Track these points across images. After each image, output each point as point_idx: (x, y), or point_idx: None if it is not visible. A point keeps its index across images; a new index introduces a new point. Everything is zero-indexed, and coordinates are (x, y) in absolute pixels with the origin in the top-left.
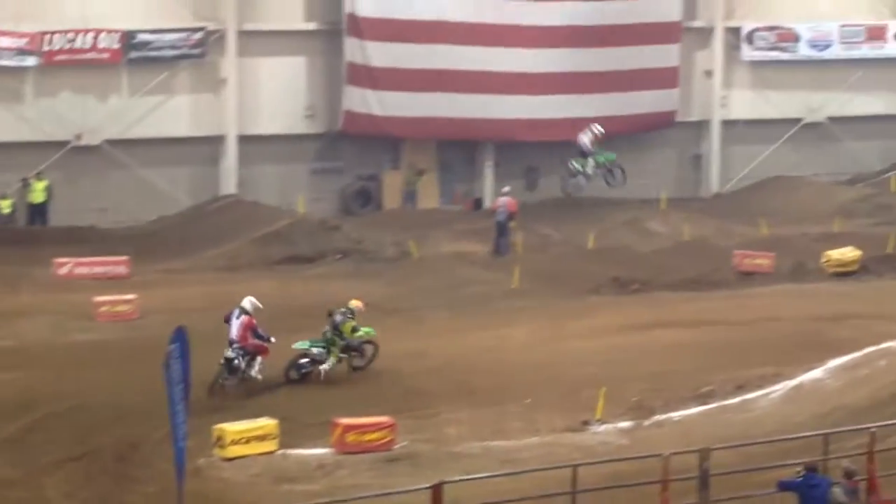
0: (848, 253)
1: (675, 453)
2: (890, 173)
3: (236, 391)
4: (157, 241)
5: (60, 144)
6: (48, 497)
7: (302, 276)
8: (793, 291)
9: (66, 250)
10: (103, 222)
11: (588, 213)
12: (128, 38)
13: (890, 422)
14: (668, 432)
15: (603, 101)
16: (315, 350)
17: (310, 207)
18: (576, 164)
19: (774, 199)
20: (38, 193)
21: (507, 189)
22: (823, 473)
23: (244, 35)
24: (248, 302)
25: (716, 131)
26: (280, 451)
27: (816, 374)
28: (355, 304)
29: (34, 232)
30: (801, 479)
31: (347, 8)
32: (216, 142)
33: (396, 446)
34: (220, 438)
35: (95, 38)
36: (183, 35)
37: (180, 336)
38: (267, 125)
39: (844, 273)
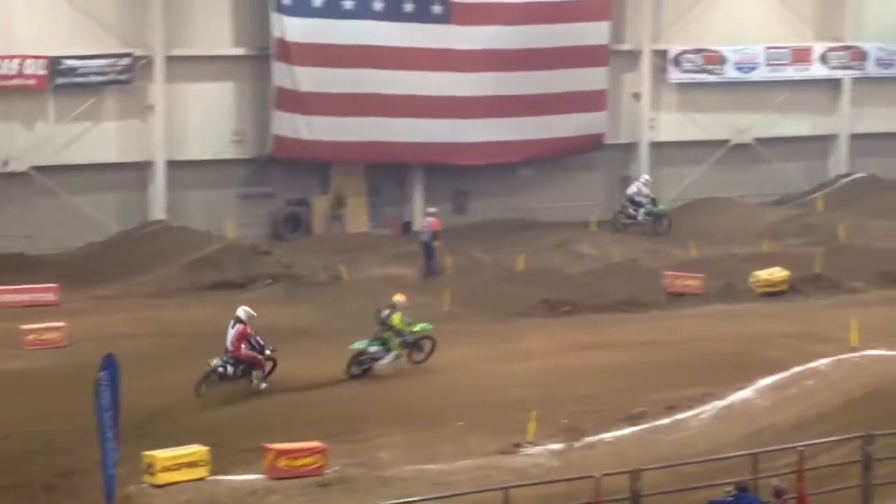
0: (776, 273)
1: (607, 474)
2: (816, 193)
3: (218, 397)
4: (85, 267)
5: None
6: None
7: (233, 301)
8: (722, 312)
9: None
10: (31, 249)
11: (518, 236)
12: (54, 64)
13: (818, 440)
14: (600, 454)
15: (531, 124)
16: (372, 349)
17: (239, 232)
18: (631, 212)
19: (703, 220)
20: None
21: (432, 210)
22: (754, 492)
23: (172, 61)
24: (242, 311)
25: (644, 153)
26: (211, 478)
27: (746, 394)
28: (398, 298)
29: None
30: (731, 498)
31: (276, 33)
32: (144, 167)
33: (329, 471)
34: (150, 465)
35: (21, 64)
36: (110, 61)
37: (110, 363)
38: (195, 150)
39: (773, 293)
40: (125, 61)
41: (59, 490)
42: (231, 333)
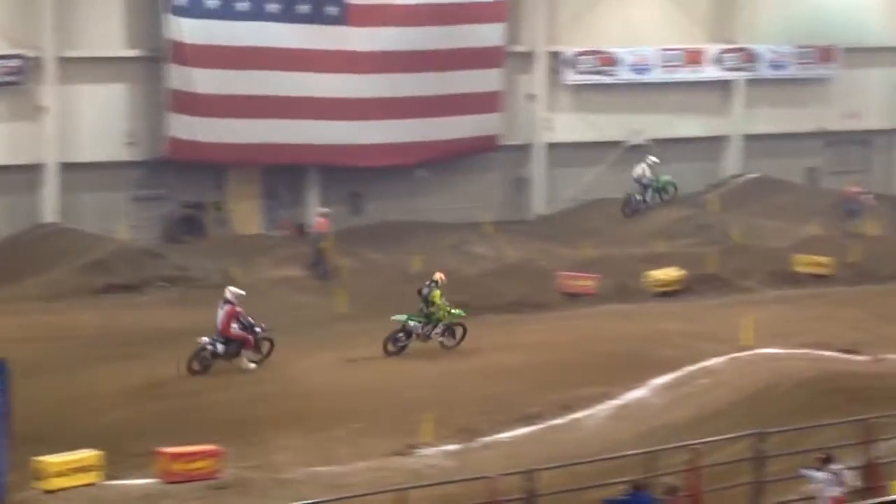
0: (670, 273)
1: (503, 475)
2: (709, 194)
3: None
4: None
5: None
6: None
7: (126, 304)
8: (617, 312)
9: None
10: None
11: (413, 237)
12: None
13: (712, 438)
14: (496, 454)
15: (427, 125)
16: (412, 323)
17: (133, 235)
18: (637, 197)
19: (598, 220)
20: None
21: (322, 210)
22: (649, 491)
23: (63, 62)
24: (229, 292)
25: (540, 154)
26: (103, 483)
27: (641, 393)
28: (438, 276)
29: None
30: (626, 497)
31: (170, 35)
32: (35, 170)
33: (223, 474)
34: (40, 471)
35: None
36: None
37: (0, 369)
38: (88, 153)
39: (667, 293)
40: (15, 62)
41: None
42: (220, 314)
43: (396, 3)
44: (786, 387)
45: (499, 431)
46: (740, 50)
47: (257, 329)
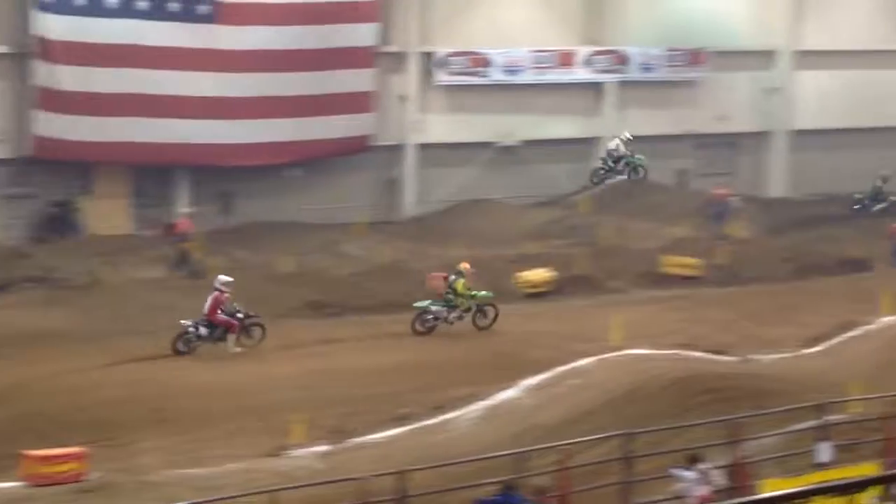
0: (540, 274)
1: (374, 475)
2: (580, 195)
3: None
4: None
5: None
6: None
7: None
8: None
9: None
10: None
11: (284, 237)
12: None
13: (581, 439)
14: (367, 455)
15: (298, 125)
16: (434, 308)
17: (1, 234)
18: (604, 168)
19: (470, 221)
20: None
21: (184, 210)
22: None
23: None
24: (218, 280)
25: (411, 155)
26: None
27: (512, 393)
28: (464, 266)
29: None
30: (497, 497)
31: (37, 31)
32: None
33: (90, 477)
34: None
35: None
36: None
37: None
38: None
39: (538, 294)
40: None
41: None
42: (208, 300)
43: (268, 2)
44: (654, 387)
45: (370, 432)
46: (611, 52)
47: (239, 315)
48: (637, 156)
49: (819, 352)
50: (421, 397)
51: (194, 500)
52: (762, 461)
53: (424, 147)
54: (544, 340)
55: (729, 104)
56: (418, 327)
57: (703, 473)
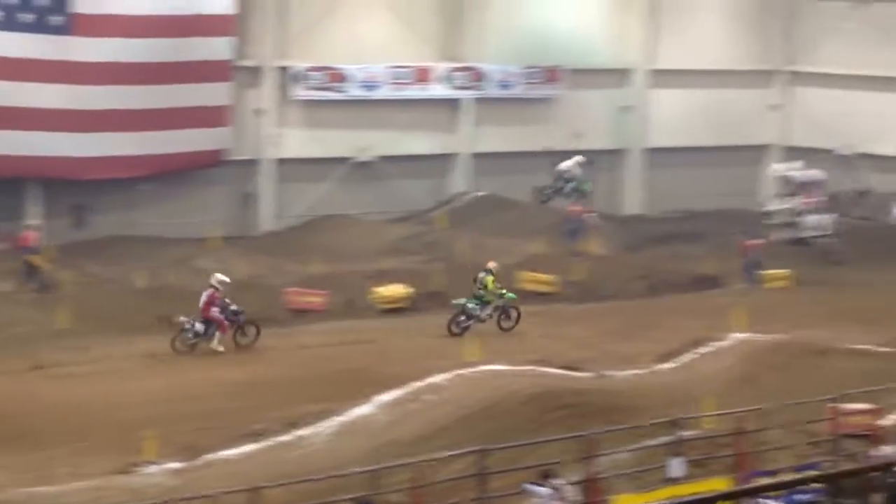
0: (397, 290)
1: (226, 492)
2: (437, 211)
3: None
4: None
5: None
6: None
7: None
8: (345, 328)
9: None
10: None
11: (138, 252)
12: None
13: (437, 455)
14: (220, 472)
15: (153, 138)
16: (470, 305)
17: None
18: (551, 189)
19: (327, 236)
20: None
21: (30, 223)
22: None
23: None
24: (214, 278)
25: (268, 169)
26: None
27: (367, 409)
28: (492, 264)
29: None
30: None
31: None
32: None
33: None
34: None
35: None
36: None
37: None
38: None
39: (394, 309)
40: None
41: None
42: (202, 297)
43: (122, 15)
44: (510, 403)
45: (223, 449)
46: (469, 69)
47: (233, 309)
48: (587, 182)
49: (672, 368)
50: (275, 413)
51: None
52: (615, 477)
53: (281, 162)
54: (400, 356)
55: (585, 122)
56: (454, 329)
57: (557, 489)
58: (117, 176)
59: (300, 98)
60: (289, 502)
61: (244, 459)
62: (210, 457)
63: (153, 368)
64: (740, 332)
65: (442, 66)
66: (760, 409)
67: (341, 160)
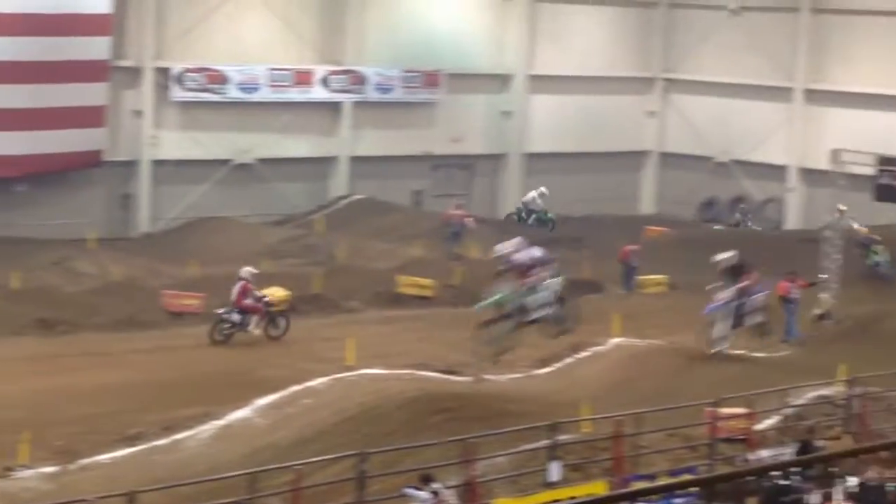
0: (276, 292)
1: (101, 497)
2: (316, 214)
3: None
4: None
5: None
6: None
7: None
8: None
9: None
10: None
11: (12, 254)
12: None
13: (315, 459)
14: (96, 476)
15: (27, 138)
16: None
17: None
18: (523, 216)
19: (205, 239)
20: None
21: None
22: None
23: None
24: (244, 271)
25: (145, 171)
26: None
27: (245, 413)
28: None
29: None
30: None
31: None
32: None
33: None
34: None
35: None
36: None
37: None
38: None
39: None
40: None
41: None
42: (235, 289)
43: None
44: (388, 407)
45: (98, 453)
46: (349, 72)
47: (262, 297)
48: (550, 213)
49: (550, 372)
50: (152, 417)
51: None
52: (494, 480)
53: (159, 163)
54: (278, 360)
55: (464, 126)
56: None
57: (437, 493)
58: None
59: (179, 99)
60: None
61: (120, 463)
62: (86, 461)
63: (29, 371)
64: (618, 336)
65: (322, 69)
66: (637, 413)
67: (220, 162)
